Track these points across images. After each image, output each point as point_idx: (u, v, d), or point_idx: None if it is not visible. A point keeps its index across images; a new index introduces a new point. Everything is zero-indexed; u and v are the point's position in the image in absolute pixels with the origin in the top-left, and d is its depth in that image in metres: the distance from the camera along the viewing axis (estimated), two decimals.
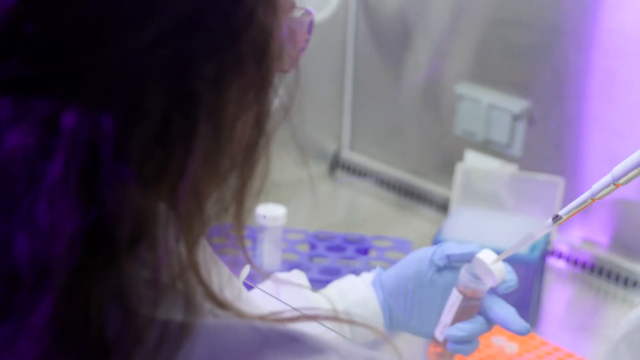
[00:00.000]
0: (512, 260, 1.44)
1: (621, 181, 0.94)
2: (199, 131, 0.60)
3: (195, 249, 0.62)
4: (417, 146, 1.90)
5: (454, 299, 1.04)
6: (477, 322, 1.05)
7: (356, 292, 1.08)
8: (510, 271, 1.06)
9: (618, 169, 0.94)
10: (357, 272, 1.47)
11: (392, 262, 1.52)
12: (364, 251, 1.57)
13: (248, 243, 1.53)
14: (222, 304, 0.63)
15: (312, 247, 1.58)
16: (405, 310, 1.07)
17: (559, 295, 1.69)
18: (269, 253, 1.48)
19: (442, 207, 1.83)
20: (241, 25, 0.60)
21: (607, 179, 0.95)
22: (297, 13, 0.71)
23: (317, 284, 1.46)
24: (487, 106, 1.71)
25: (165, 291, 0.61)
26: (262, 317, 0.64)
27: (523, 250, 1.47)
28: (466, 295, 1.03)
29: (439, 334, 1.06)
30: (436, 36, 1.81)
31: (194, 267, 0.62)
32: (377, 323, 1.07)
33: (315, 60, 1.94)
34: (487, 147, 1.74)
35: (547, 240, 1.52)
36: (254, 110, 0.63)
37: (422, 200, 1.88)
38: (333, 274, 1.48)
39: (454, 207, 1.60)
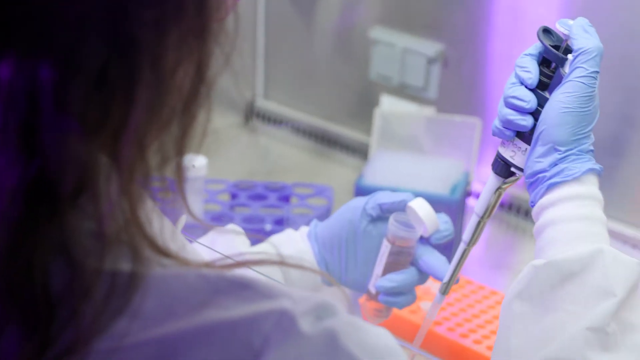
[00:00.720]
0: (433, 202, 1.46)
1: (483, 218, 0.96)
2: (140, 79, 0.59)
3: (138, 200, 0.61)
4: (333, 92, 1.90)
5: (384, 249, 1.01)
6: (409, 272, 1.03)
7: (291, 245, 1.06)
8: (446, 221, 1.04)
9: (478, 206, 0.96)
10: (280, 220, 1.47)
11: (314, 209, 1.53)
12: (286, 199, 1.57)
13: (169, 195, 1.52)
14: (167, 254, 0.62)
15: (234, 196, 1.58)
16: (340, 262, 1.05)
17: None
18: (191, 204, 1.47)
19: (360, 152, 1.83)
20: None
21: (473, 219, 0.96)
22: None
23: (250, 238, 1.46)
24: (402, 50, 1.72)
25: (110, 243, 0.60)
26: (209, 265, 0.64)
27: (443, 191, 1.49)
28: (395, 244, 1.01)
29: (372, 287, 1.03)
30: None
31: (137, 218, 0.61)
32: (313, 276, 1.05)
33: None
34: (402, 91, 1.75)
35: (466, 181, 1.54)
36: (194, 58, 0.62)
37: (340, 146, 1.88)
38: (257, 222, 1.48)
39: (373, 151, 1.61)
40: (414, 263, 1.03)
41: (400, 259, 1.02)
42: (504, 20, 1.62)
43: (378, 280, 1.02)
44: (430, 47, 1.70)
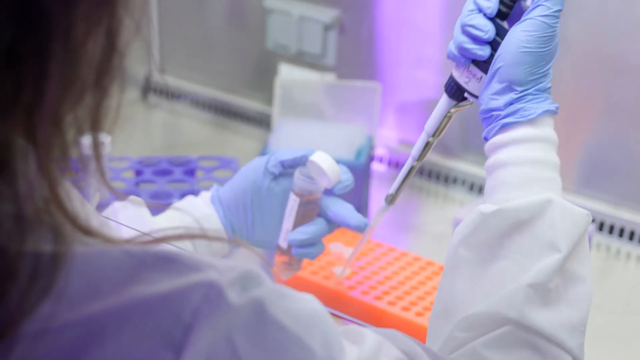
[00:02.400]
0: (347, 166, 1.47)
1: (433, 137, 0.96)
2: (52, 52, 0.58)
3: (57, 178, 0.60)
4: (230, 64, 1.89)
5: (292, 204, 1.04)
6: (318, 223, 1.05)
7: (196, 210, 1.06)
8: (345, 171, 1.06)
9: (429, 124, 0.96)
10: (186, 193, 1.46)
11: (220, 181, 1.52)
12: (191, 172, 1.56)
13: (72, 175, 1.49)
14: (90, 232, 0.61)
15: (138, 173, 1.56)
16: (247, 223, 1.06)
17: (383, 197, 1.76)
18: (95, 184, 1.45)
19: (262, 122, 1.83)
20: None
21: (422, 137, 0.97)
22: None
23: (152, 209, 1.45)
24: (298, 18, 1.72)
25: (31, 224, 0.59)
26: (130, 241, 0.63)
27: (349, 157, 1.50)
28: (303, 198, 1.03)
29: (283, 242, 1.05)
30: None
31: (58, 197, 0.60)
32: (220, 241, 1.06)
33: None
34: (300, 59, 1.75)
35: (370, 146, 1.56)
36: (104, 27, 0.61)
37: (241, 117, 1.88)
38: (163, 198, 1.47)
39: (275, 121, 1.60)
40: (321, 214, 1.06)
41: (308, 211, 1.04)
42: None
43: (290, 234, 1.04)
44: (326, 14, 1.70)
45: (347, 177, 1.06)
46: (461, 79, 0.92)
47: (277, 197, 1.06)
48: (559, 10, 0.88)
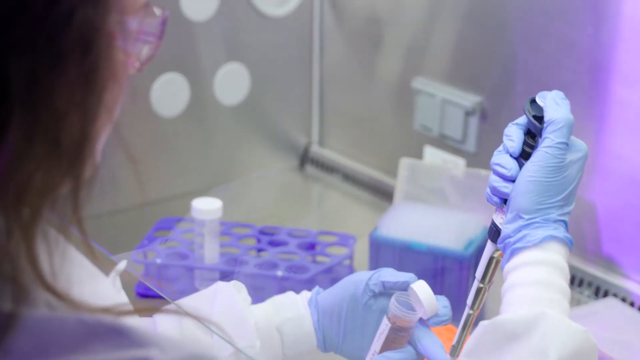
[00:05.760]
0: (445, 257, 1.45)
1: (483, 283, 0.99)
2: (11, 126, 0.62)
3: (30, 239, 0.63)
4: (381, 140, 1.90)
5: (383, 327, 1.03)
6: (406, 352, 1.04)
7: (292, 308, 1.08)
8: (445, 305, 1.05)
9: (478, 270, 0.99)
10: (292, 267, 1.48)
11: (332, 258, 1.53)
12: (307, 246, 1.58)
13: (190, 236, 1.55)
14: (56, 294, 0.64)
15: (258, 241, 1.59)
16: (338, 332, 1.07)
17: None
18: (207, 246, 1.50)
19: None
20: (58, 23, 0.62)
21: (474, 284, 1.00)
22: (149, 12, 0.72)
23: (254, 278, 1.48)
24: (441, 101, 1.71)
25: None
26: (93, 310, 0.66)
27: (457, 246, 1.47)
28: (395, 324, 1.03)
29: None
30: (402, 31, 1.81)
31: (32, 258, 0.63)
32: (309, 342, 1.07)
33: (283, 54, 1.95)
34: (442, 142, 1.74)
35: (484, 237, 1.52)
36: (79, 110, 0.64)
37: (382, 194, 1.88)
38: (269, 268, 1.49)
39: (396, 201, 1.60)
40: (411, 343, 1.05)
41: (398, 338, 1.04)
42: (541, 76, 1.59)
43: (376, 356, 1.04)
44: (468, 99, 1.68)
45: (444, 313, 1.04)
46: (497, 219, 0.95)
47: (373, 315, 1.06)
48: (562, 143, 0.91)
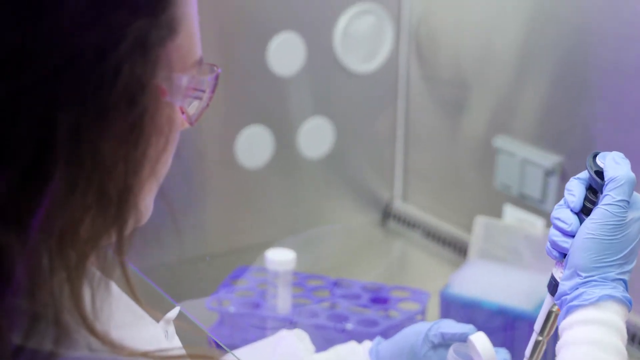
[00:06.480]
0: (514, 317, 1.44)
1: (541, 336, 0.99)
2: (55, 175, 0.64)
3: (75, 283, 0.66)
4: (462, 197, 1.90)
5: None
6: None
7: (353, 358, 1.10)
8: (505, 358, 1.06)
9: (537, 323, 0.99)
10: (363, 321, 1.49)
11: (403, 313, 1.53)
12: (379, 300, 1.58)
13: (265, 286, 1.57)
14: (97, 336, 0.66)
15: (331, 293, 1.61)
16: None
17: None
18: (280, 296, 1.52)
19: None
20: (105, 78, 0.64)
21: (533, 337, 1.00)
22: (201, 69, 0.74)
23: (324, 329, 1.49)
24: (521, 160, 1.71)
25: (38, 321, 0.65)
26: (132, 353, 0.68)
27: (527, 306, 1.46)
28: None
29: None
30: (488, 90, 1.81)
31: (76, 300, 0.66)
32: None
33: (368, 109, 1.97)
34: (522, 202, 1.73)
35: None
36: (122, 163, 0.66)
37: (464, 251, 1.87)
38: (341, 320, 1.50)
39: (470, 259, 1.59)
40: None
41: None
42: (623, 137, 1.57)
43: None
44: (548, 159, 1.67)
45: None
46: (557, 273, 0.94)
47: None
48: (623, 201, 0.90)
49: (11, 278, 0.64)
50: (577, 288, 0.90)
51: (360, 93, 1.95)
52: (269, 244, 1.64)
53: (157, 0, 0.67)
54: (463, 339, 1.05)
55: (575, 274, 0.90)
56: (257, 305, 1.55)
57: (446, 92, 1.90)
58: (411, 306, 1.56)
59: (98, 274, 0.69)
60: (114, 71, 0.64)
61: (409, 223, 2.00)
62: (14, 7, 0.62)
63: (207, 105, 0.75)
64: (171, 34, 0.68)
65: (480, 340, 1.03)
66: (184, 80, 0.71)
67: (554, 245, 0.93)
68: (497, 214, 1.76)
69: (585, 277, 0.90)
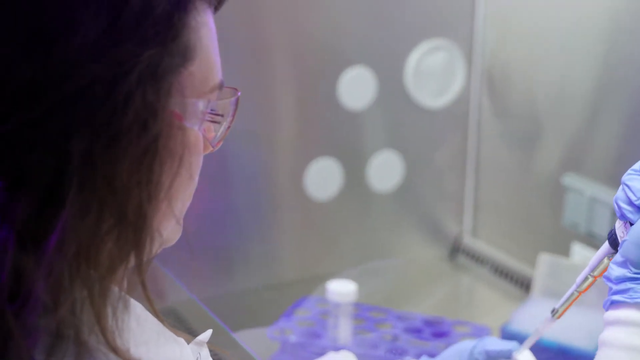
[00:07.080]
0: (573, 355, 1.43)
1: (596, 272, 0.97)
2: (68, 200, 0.66)
3: (98, 300, 0.67)
4: (531, 234, 1.89)
5: None
6: None
7: None
8: None
9: (590, 264, 0.96)
10: (421, 354, 1.49)
11: None
12: (440, 334, 1.58)
13: (326, 317, 1.59)
14: (117, 353, 0.67)
15: (393, 326, 1.61)
16: None
17: None
18: (341, 327, 1.53)
19: None
20: (117, 106, 0.65)
21: (584, 272, 0.98)
22: (221, 93, 0.74)
23: None
24: (589, 199, 1.69)
25: (60, 339, 0.67)
26: None
27: (584, 345, 1.44)
28: None
29: None
30: (560, 127, 1.81)
31: (98, 317, 0.67)
32: None
33: (438, 144, 1.98)
34: (590, 241, 1.71)
35: None
36: (135, 189, 0.67)
37: (527, 288, 1.86)
38: (399, 354, 1.51)
39: (533, 296, 1.58)
40: None
41: None
42: None
43: None
44: None
45: None
46: (619, 231, 0.89)
47: None
48: None
49: (30, 298, 0.65)
50: (625, 282, 0.86)
51: (430, 127, 1.96)
52: (338, 275, 1.65)
53: (166, 30, 0.67)
54: (508, 356, 1.05)
55: (626, 264, 0.86)
56: (318, 336, 1.57)
57: (517, 128, 1.90)
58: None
59: (118, 292, 0.70)
60: (125, 99, 0.65)
61: (477, 258, 1.99)
62: (24, 40, 0.64)
63: (229, 128, 0.75)
64: (185, 62, 0.69)
65: (525, 358, 1.03)
66: (200, 105, 0.71)
67: (618, 208, 0.88)
68: (565, 251, 1.75)
69: (635, 273, 0.86)
